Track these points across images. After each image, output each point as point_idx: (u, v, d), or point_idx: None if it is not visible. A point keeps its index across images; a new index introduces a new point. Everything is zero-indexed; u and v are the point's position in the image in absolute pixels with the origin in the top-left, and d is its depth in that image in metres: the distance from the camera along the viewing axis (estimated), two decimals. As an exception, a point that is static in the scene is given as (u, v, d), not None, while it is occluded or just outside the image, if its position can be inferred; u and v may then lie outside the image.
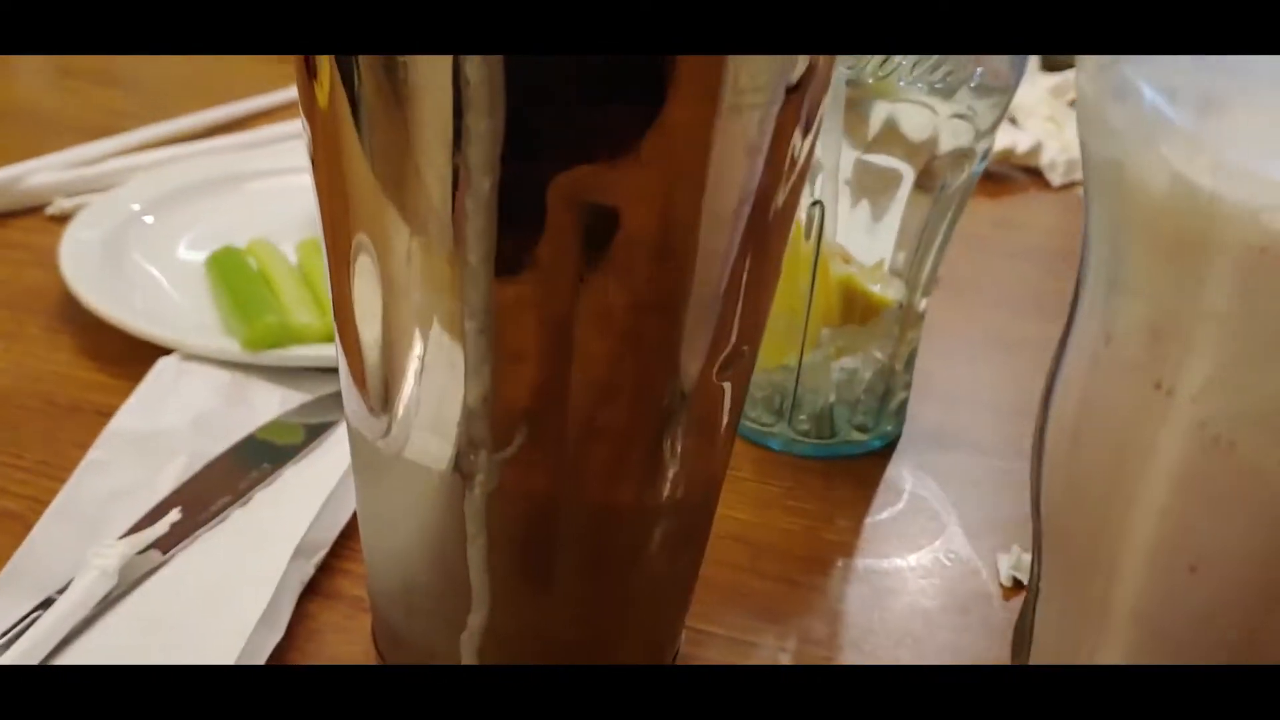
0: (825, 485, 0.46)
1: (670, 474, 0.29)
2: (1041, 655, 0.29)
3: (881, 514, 0.45)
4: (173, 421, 0.44)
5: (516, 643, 0.30)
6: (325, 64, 0.24)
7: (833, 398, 0.47)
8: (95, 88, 0.89)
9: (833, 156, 0.41)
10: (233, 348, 0.48)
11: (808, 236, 0.43)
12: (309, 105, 0.25)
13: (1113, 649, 0.25)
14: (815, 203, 0.43)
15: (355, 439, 0.30)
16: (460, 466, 0.27)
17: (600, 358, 0.25)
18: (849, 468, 0.47)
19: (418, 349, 0.26)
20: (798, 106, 0.25)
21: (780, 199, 0.26)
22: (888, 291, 0.45)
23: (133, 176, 0.67)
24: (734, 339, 0.28)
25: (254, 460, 0.42)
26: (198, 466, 0.41)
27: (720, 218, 0.25)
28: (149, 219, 0.61)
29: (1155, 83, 0.21)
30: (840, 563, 0.42)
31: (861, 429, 0.48)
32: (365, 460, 0.30)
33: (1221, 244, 0.20)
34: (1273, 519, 0.22)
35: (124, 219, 0.59)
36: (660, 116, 0.23)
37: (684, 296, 0.25)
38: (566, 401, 0.26)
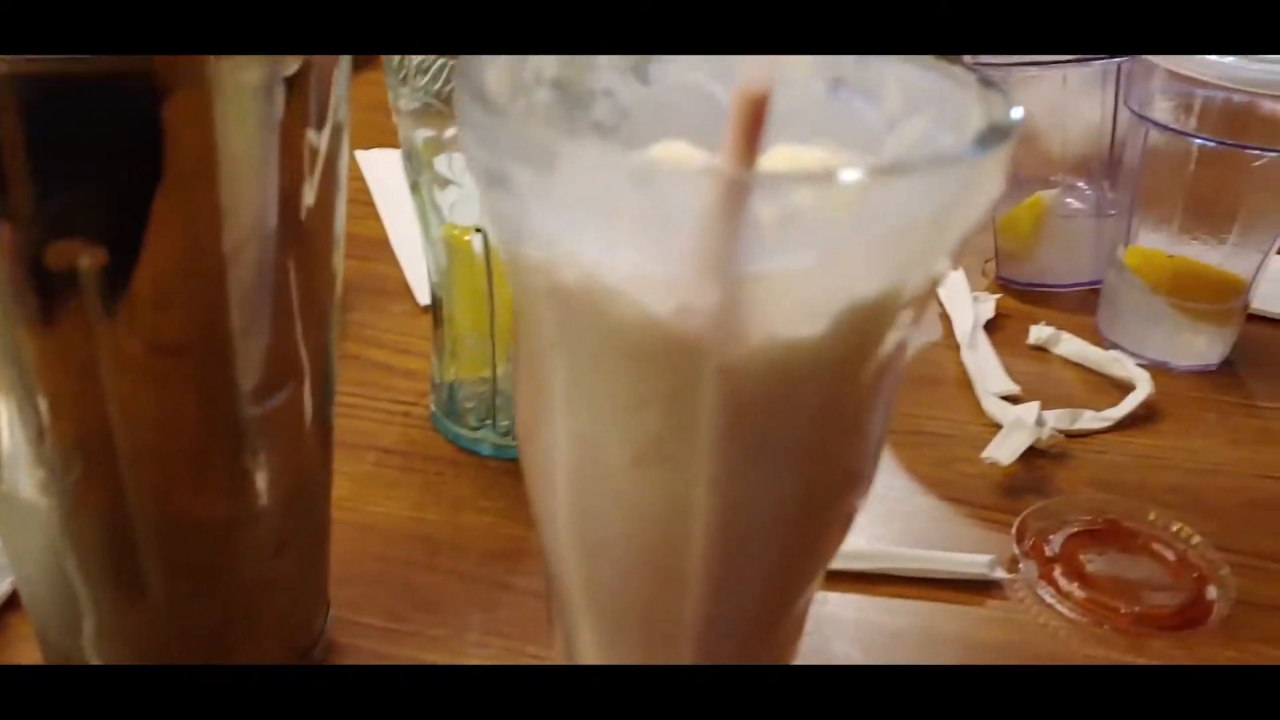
0: (519, 484, 0.50)
1: (245, 488, 0.33)
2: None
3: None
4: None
5: (135, 642, 0.35)
6: None
7: (529, 404, 0.51)
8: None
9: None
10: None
11: (480, 257, 0.48)
12: None
13: (582, 629, 0.30)
14: (478, 229, 0.47)
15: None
16: (43, 493, 0.31)
17: (131, 395, 0.30)
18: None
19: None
20: (300, 118, 0.29)
21: (305, 212, 0.31)
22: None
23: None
24: (275, 367, 0.32)
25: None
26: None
27: (227, 256, 0.29)
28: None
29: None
30: (517, 555, 0.46)
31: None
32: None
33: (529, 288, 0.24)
34: (656, 513, 0.26)
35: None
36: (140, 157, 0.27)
37: (203, 335, 0.30)
38: (112, 433, 0.30)
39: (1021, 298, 0.69)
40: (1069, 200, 0.67)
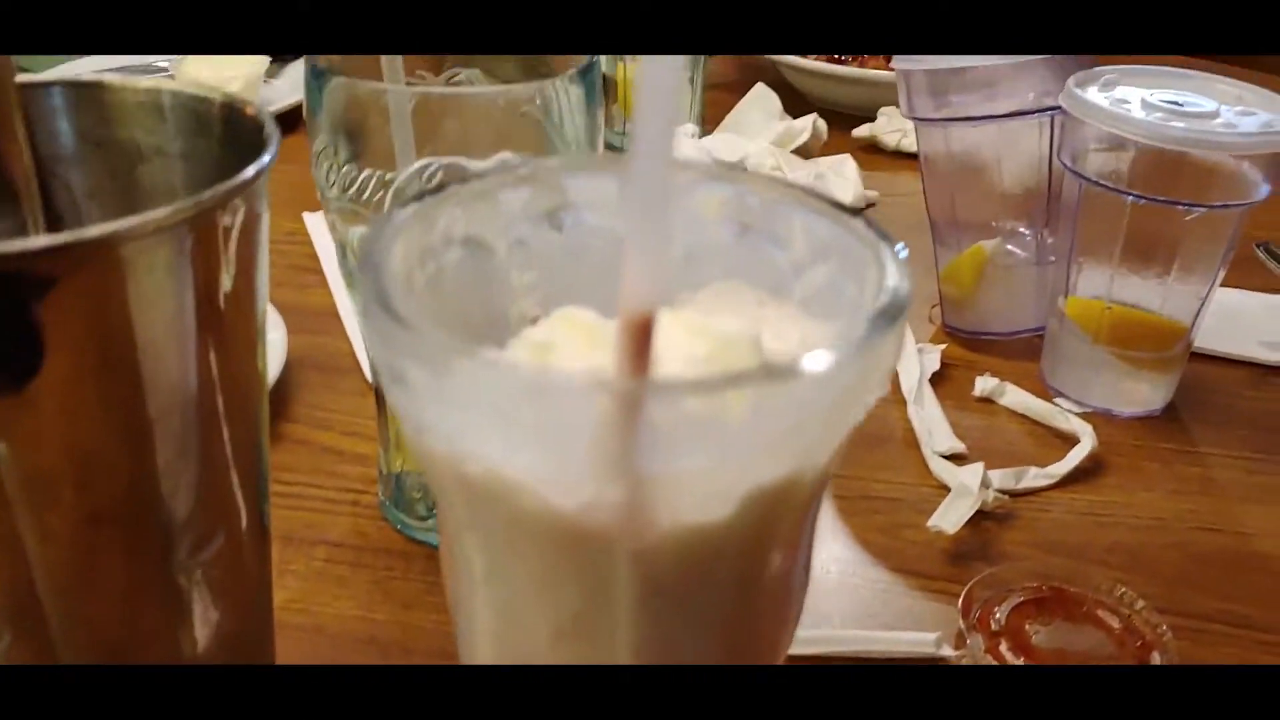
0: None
1: (182, 640, 0.33)
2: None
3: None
4: None
5: None
6: None
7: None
8: None
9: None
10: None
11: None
12: None
13: None
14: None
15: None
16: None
17: (57, 565, 0.30)
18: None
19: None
20: (211, 278, 0.29)
21: (225, 362, 0.31)
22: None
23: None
24: (207, 520, 0.32)
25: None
26: None
27: (149, 426, 0.29)
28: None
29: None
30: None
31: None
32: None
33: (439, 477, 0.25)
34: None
35: None
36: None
37: (129, 504, 0.30)
38: (40, 602, 0.30)
39: (968, 345, 0.70)
40: (1010, 248, 0.68)
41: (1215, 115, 0.57)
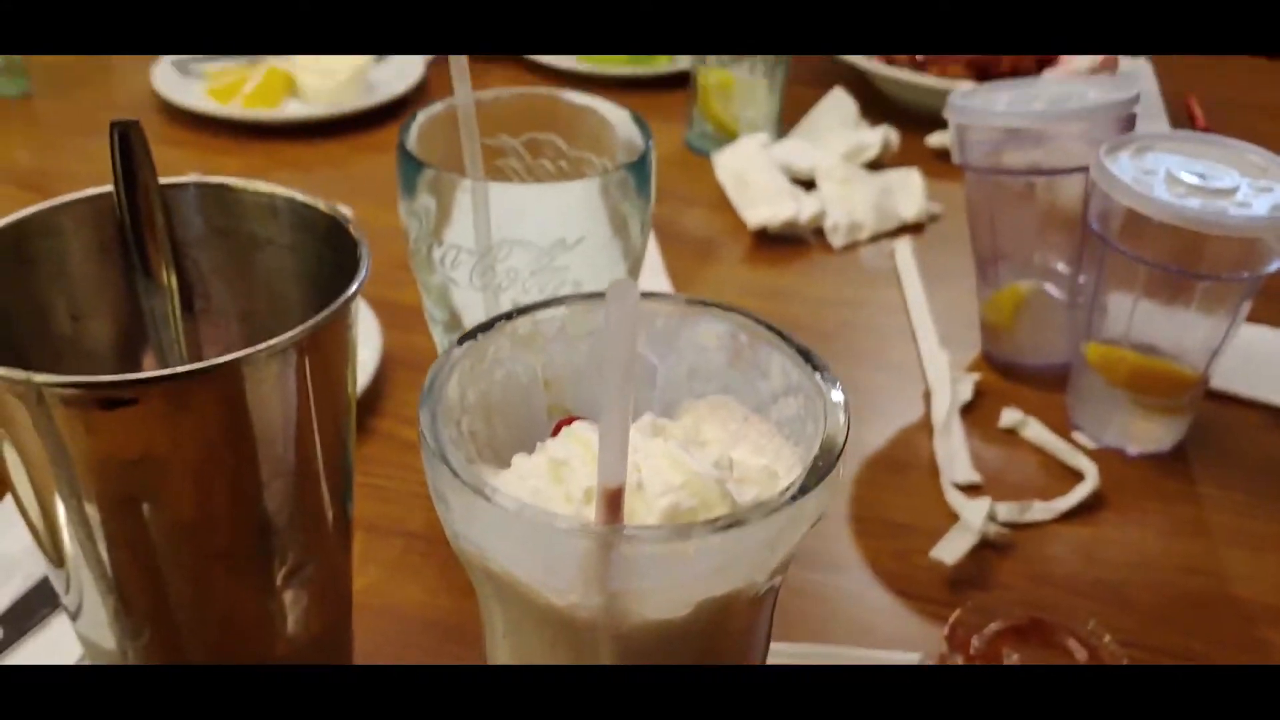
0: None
1: (277, 639, 0.42)
2: None
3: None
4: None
5: None
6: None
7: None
8: None
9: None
10: None
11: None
12: None
13: None
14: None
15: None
16: (120, 650, 0.40)
17: (186, 583, 0.38)
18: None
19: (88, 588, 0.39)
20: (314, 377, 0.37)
21: (321, 434, 0.39)
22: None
23: None
24: (302, 552, 0.40)
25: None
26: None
27: (260, 488, 0.38)
28: None
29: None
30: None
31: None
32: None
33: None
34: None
35: None
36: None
37: (244, 542, 0.38)
38: (171, 610, 0.39)
39: (1003, 373, 0.75)
40: (1046, 287, 0.73)
41: (1235, 191, 0.61)
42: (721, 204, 0.94)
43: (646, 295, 0.36)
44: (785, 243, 0.90)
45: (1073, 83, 0.74)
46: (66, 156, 1.01)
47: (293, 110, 1.03)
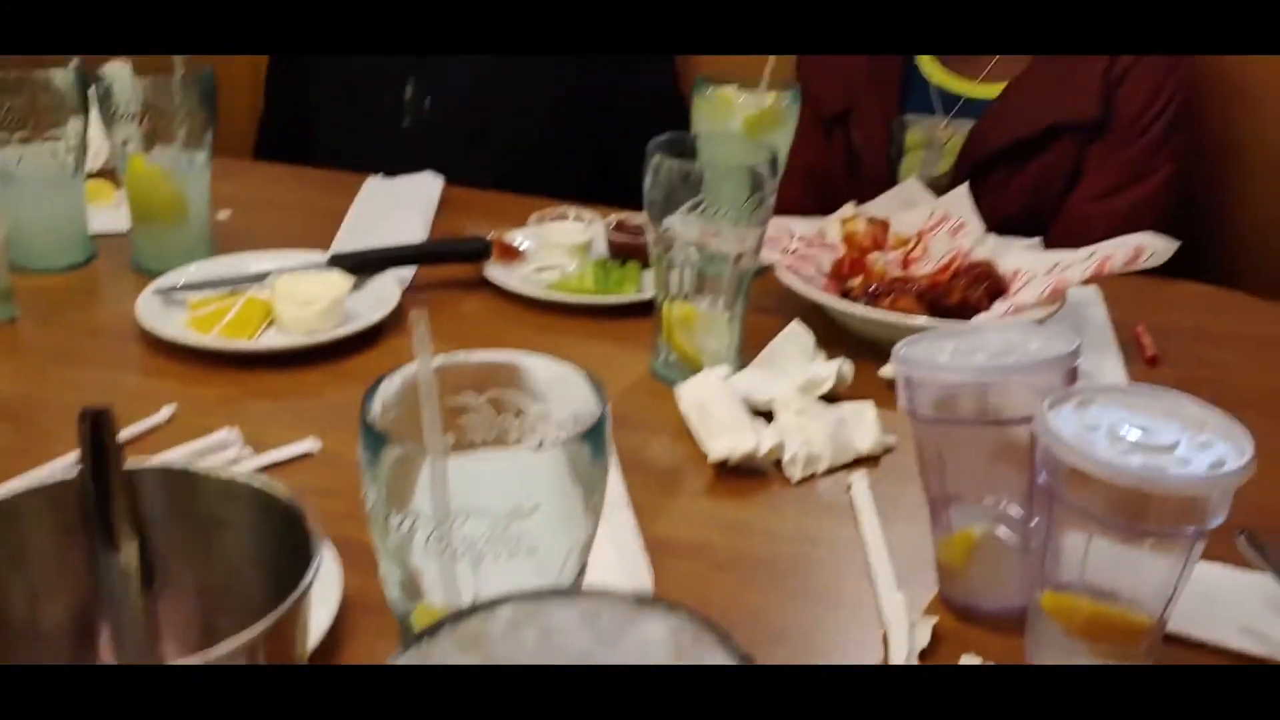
0: None
1: None
2: None
3: None
4: None
5: None
6: None
7: None
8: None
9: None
10: None
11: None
12: None
13: None
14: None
15: None
16: None
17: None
18: None
19: None
20: None
21: None
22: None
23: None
24: None
25: None
26: None
27: None
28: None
29: None
30: None
31: None
32: None
33: None
34: None
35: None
36: None
37: None
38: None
39: (960, 616, 0.75)
40: (998, 532, 0.74)
41: (1175, 446, 0.63)
42: (684, 433, 0.95)
43: (591, 592, 0.38)
44: (745, 474, 0.91)
45: (1016, 330, 0.77)
46: (49, 385, 1.02)
47: (269, 339, 1.06)
